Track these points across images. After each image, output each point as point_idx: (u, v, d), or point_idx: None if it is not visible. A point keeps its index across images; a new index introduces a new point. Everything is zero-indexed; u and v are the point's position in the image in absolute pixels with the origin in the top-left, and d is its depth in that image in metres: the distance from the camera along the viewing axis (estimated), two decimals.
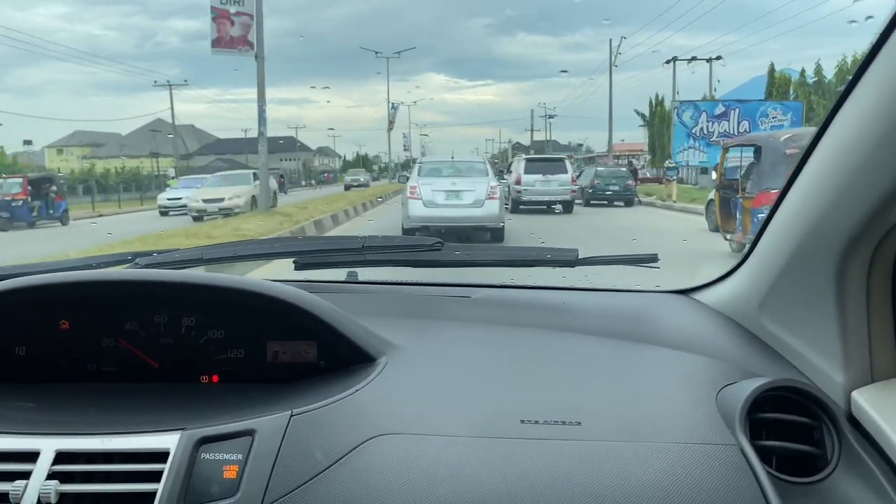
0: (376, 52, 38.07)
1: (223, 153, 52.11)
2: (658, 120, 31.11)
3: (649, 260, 1.11)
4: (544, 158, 15.92)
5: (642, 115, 34.54)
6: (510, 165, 16.14)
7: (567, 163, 14.93)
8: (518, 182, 14.08)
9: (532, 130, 46.54)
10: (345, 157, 69.54)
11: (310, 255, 1.16)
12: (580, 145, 52.31)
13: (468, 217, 8.48)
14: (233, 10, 13.29)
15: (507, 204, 12.94)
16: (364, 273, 1.27)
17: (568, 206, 14.13)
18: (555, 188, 13.93)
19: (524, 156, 15.88)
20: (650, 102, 32.55)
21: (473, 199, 8.63)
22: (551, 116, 48.33)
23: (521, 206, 13.85)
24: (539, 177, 13.97)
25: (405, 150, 55.72)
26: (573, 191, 14.29)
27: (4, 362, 0.84)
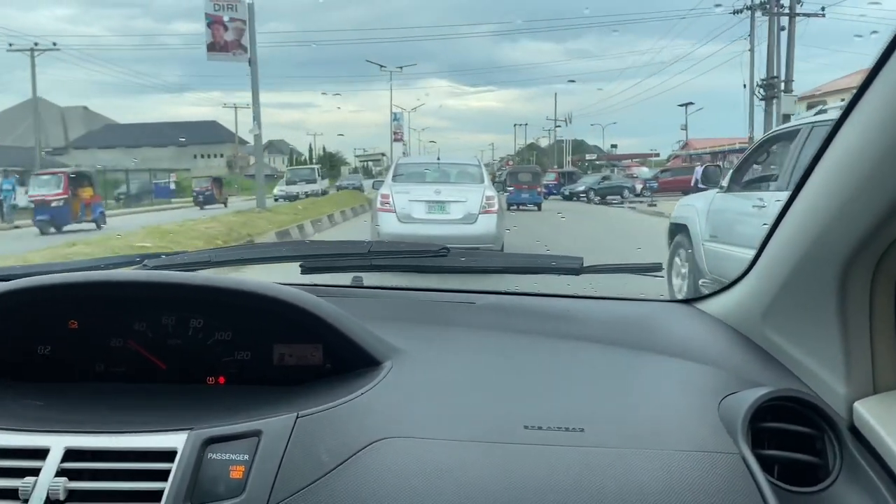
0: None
1: (113, 144, 39.80)
2: None
3: (653, 269, 1.14)
4: None
5: None
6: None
7: None
8: None
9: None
10: (292, 155, 52.43)
11: (316, 259, 1.17)
12: (614, 146, 42.63)
13: (456, 236, 6.38)
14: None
15: None
16: (370, 278, 1.28)
17: None
18: None
19: None
20: None
21: (463, 212, 6.65)
22: None
23: None
24: None
25: (404, 155, 51.86)
26: None
27: (14, 361, 0.84)
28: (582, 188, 25.65)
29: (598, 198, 24.00)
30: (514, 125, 53.93)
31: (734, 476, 0.65)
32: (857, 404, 0.74)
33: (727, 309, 1.05)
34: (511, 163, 41.03)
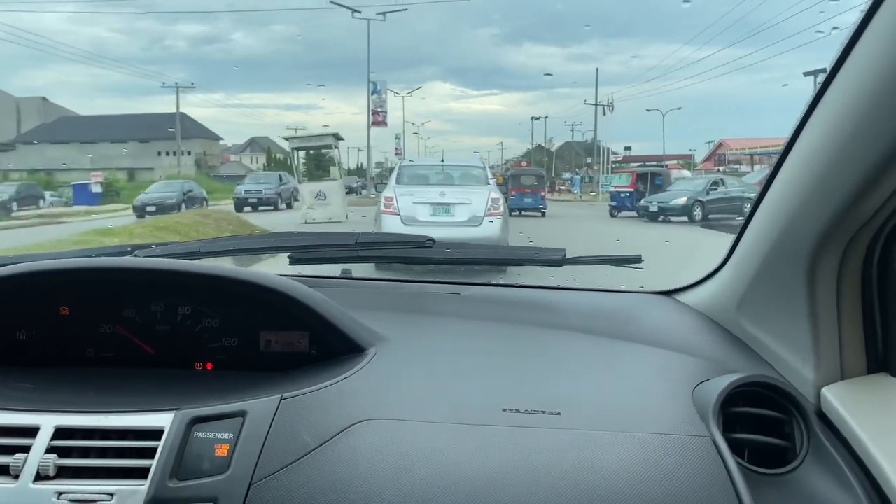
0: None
1: (66, 139, 34.06)
2: None
3: (633, 261, 1.16)
4: None
5: None
6: None
7: None
8: None
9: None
10: (270, 154, 43.13)
11: (304, 250, 1.18)
12: (627, 148, 34.09)
13: (461, 239, 5.65)
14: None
15: None
16: (358, 269, 1.30)
17: None
18: None
19: None
20: None
21: (468, 215, 6.57)
22: None
23: None
24: None
25: (397, 154, 37.60)
26: None
27: (5, 346, 0.86)
28: (681, 200, 14.28)
29: (702, 217, 14.05)
30: (532, 118, 43.04)
31: (704, 457, 0.68)
32: (824, 390, 0.76)
33: (704, 300, 1.08)
34: (526, 163, 31.86)
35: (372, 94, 27.21)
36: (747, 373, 0.80)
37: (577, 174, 31.36)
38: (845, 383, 0.77)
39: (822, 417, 0.76)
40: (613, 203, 16.75)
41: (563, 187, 30.52)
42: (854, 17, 0.64)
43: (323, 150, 15.38)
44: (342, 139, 14.97)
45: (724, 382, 0.77)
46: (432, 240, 1.17)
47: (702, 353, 0.92)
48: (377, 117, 27.79)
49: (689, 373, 0.84)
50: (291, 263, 1.18)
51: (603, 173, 28.20)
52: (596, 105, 30.21)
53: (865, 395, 0.75)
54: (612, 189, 17.81)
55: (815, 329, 0.77)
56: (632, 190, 16.51)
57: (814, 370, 0.78)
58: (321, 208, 12.13)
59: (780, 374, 0.84)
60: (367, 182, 27.01)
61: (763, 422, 0.76)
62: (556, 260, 1.15)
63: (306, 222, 11.41)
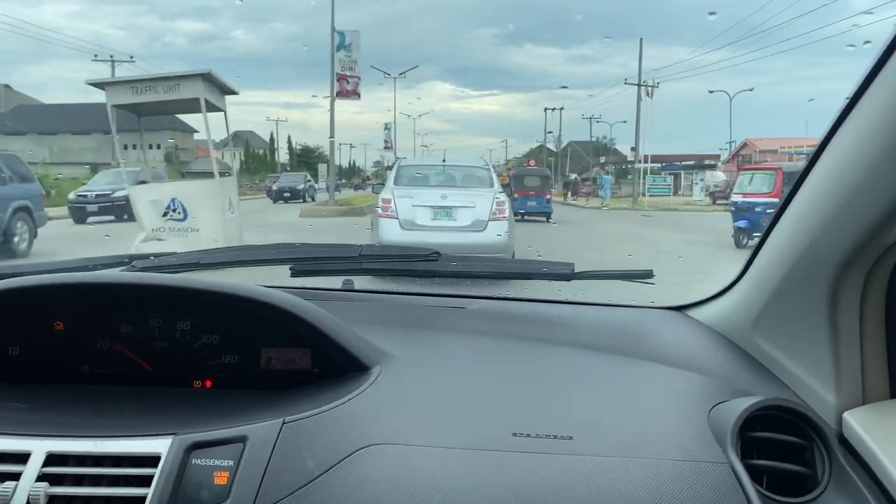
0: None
1: (23, 130, 32.18)
2: None
3: (645, 276, 1.14)
4: None
5: None
6: None
7: None
8: None
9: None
10: (248, 148, 38.51)
11: (306, 262, 1.16)
12: (633, 149, 27.21)
13: (464, 245, 5.86)
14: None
15: None
16: (361, 282, 1.27)
17: None
18: None
19: None
20: None
21: (472, 219, 6.17)
22: None
23: None
24: None
25: (387, 148, 34.13)
26: None
27: None
28: None
29: None
30: (545, 109, 39.55)
31: (723, 486, 0.65)
32: (846, 414, 0.74)
33: (718, 317, 1.05)
34: (534, 162, 28.17)
35: (338, 51, 17.52)
36: (763, 394, 0.78)
37: (606, 174, 25.77)
38: (868, 407, 0.75)
39: (844, 443, 0.74)
40: (741, 223, 9.84)
41: (586, 190, 24.53)
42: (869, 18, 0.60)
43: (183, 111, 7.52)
44: (235, 92, 6.87)
45: (741, 406, 0.74)
46: (438, 253, 1.14)
47: (715, 373, 0.90)
48: (345, 84, 17.69)
49: (703, 394, 0.82)
50: (293, 275, 1.15)
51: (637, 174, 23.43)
52: (639, 85, 23.46)
53: (890, 420, 0.73)
54: (736, 198, 10.92)
55: (837, 350, 0.75)
56: (775, 199, 9.81)
57: (835, 393, 0.75)
58: (175, 236, 6.06)
59: (798, 397, 0.82)
60: (328, 182, 18.00)
61: (782, 447, 0.74)
62: (566, 274, 1.13)
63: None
